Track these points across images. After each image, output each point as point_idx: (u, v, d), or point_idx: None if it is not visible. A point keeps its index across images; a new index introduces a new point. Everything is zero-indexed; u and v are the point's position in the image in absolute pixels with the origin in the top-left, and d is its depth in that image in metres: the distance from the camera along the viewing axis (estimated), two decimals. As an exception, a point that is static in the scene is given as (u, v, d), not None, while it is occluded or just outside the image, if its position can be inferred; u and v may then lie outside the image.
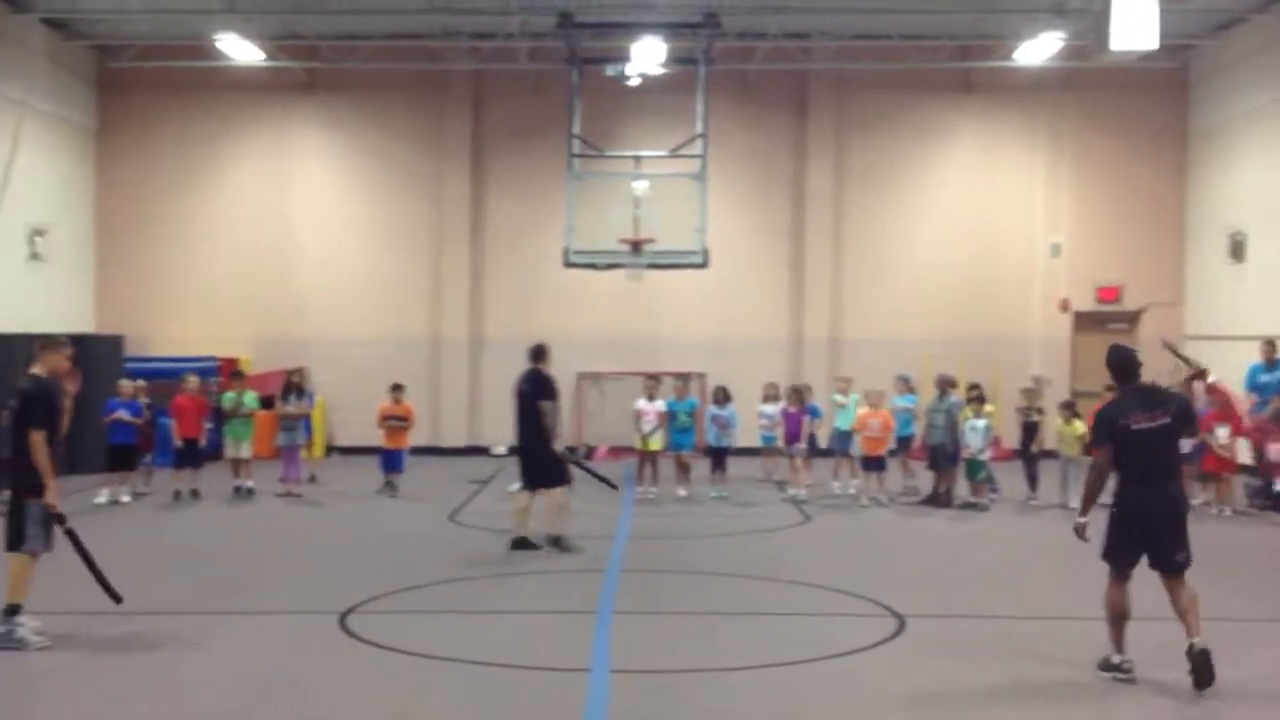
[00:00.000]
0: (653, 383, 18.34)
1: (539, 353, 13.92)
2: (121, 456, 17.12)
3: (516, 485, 13.99)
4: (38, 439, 9.12)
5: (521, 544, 13.21)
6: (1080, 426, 16.57)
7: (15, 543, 9.22)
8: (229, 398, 18.09)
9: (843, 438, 18.12)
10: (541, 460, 13.43)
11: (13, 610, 9.06)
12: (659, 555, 13.37)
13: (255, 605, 10.69)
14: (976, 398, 17.15)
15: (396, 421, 18.29)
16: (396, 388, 18.53)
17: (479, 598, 11.07)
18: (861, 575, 12.00)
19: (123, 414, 16.97)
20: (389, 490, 18.06)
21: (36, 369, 9.48)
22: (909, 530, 15.36)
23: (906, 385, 18.70)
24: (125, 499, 17.00)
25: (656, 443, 17.82)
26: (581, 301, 23.63)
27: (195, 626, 9.81)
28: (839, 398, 18.32)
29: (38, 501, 9.18)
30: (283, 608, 10.61)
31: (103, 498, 16.78)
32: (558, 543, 13.20)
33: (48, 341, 9.68)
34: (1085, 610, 9.38)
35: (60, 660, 8.78)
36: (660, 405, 17.86)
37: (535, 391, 13.54)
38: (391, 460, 18.33)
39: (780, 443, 18.56)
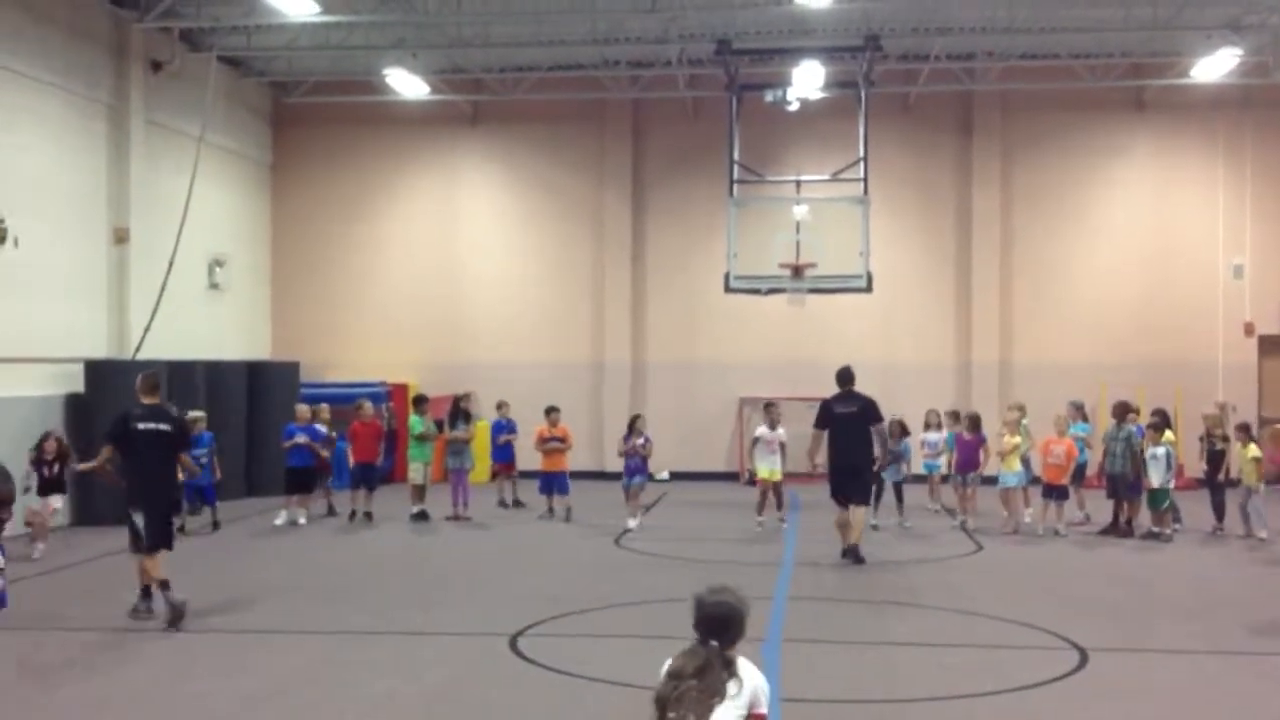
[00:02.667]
0: (775, 410, 17.67)
1: (849, 376, 14.97)
2: (299, 480, 17.60)
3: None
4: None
5: (851, 553, 14.23)
6: (1255, 450, 15.90)
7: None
8: (418, 423, 18.23)
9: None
10: (866, 479, 14.91)
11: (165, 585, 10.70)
12: (828, 583, 13.15)
13: (428, 626, 10.81)
14: (1157, 425, 16.50)
15: (555, 443, 18.39)
16: (551, 410, 18.59)
17: (648, 622, 10.98)
18: (1040, 606, 11.59)
19: (301, 438, 17.44)
20: (550, 515, 18.16)
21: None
22: (1088, 561, 14.81)
23: (1080, 412, 18.12)
24: (302, 521, 17.44)
25: (777, 473, 17.04)
26: (744, 326, 23.53)
27: (375, 645, 9.97)
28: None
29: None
30: (455, 629, 10.70)
31: (281, 519, 17.28)
32: (856, 553, 14.16)
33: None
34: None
35: (268, 675, 9.00)
36: (782, 434, 17.22)
37: (870, 415, 14.62)
38: (551, 482, 18.40)
39: (946, 469, 18.19)
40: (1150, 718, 8.05)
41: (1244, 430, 16.98)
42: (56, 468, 14.88)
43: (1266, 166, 23.36)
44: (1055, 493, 16.63)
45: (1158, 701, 8.53)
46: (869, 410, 14.61)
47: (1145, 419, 17.18)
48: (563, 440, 18.48)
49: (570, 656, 9.50)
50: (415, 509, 17.86)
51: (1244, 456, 16.38)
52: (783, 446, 17.16)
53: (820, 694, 8.49)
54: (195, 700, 8.43)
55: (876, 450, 15.18)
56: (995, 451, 17.28)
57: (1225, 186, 23.57)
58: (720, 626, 4.62)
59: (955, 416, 18.47)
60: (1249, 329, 23.36)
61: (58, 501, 15.13)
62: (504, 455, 19.65)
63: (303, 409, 17.99)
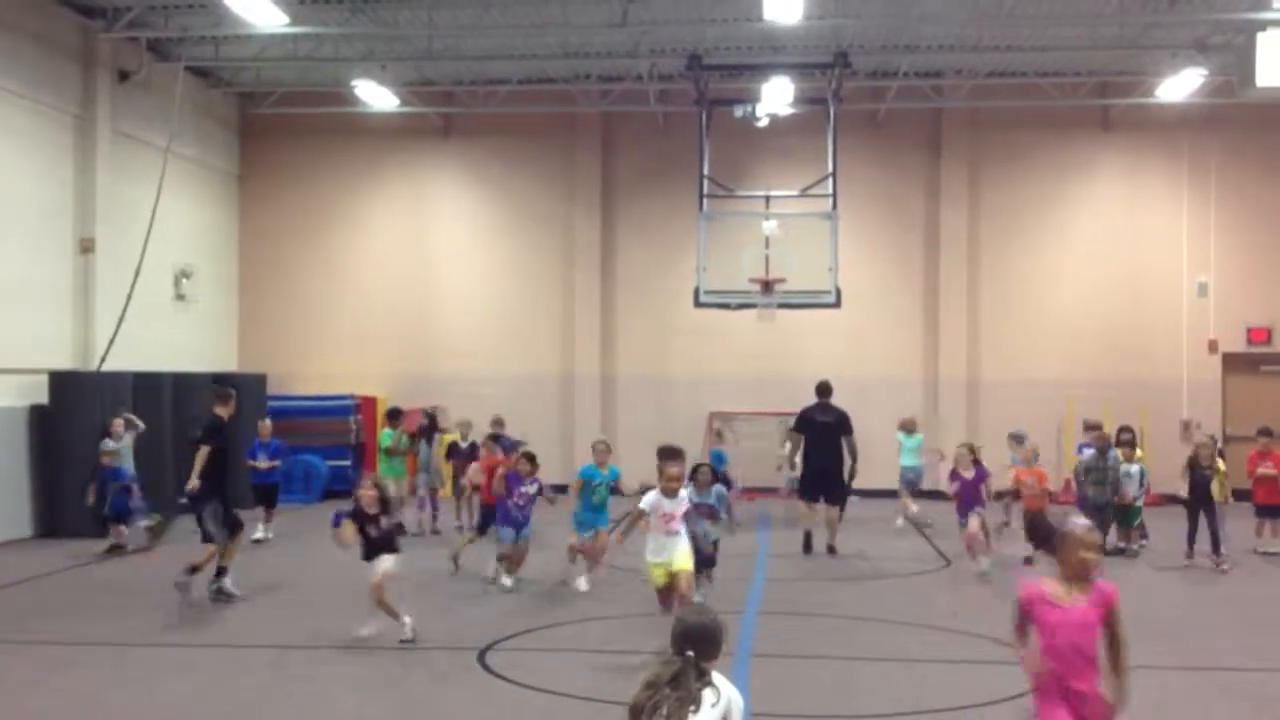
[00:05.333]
0: (677, 465, 16.26)
1: (829, 388, 16.77)
2: (264, 495, 17.33)
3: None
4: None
5: (829, 549, 15.94)
6: (1220, 466, 16.07)
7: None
8: (387, 436, 18.05)
9: (912, 472, 19.15)
10: (839, 482, 16.30)
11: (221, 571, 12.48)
12: (797, 599, 13.15)
13: (396, 640, 10.73)
14: (1129, 441, 16.60)
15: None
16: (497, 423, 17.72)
17: (618, 638, 10.95)
18: (1009, 622, 11.60)
19: (257, 462, 17.12)
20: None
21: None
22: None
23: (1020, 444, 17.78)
24: (268, 535, 17.11)
25: (682, 565, 15.00)
26: (714, 342, 23.57)
27: (343, 660, 9.89)
28: (901, 435, 19.22)
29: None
30: (424, 643, 10.61)
31: (259, 533, 16.89)
32: (833, 551, 15.90)
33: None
34: (1247, 661, 8.94)
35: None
36: (685, 498, 15.41)
37: (845, 426, 16.35)
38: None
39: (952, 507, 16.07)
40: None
41: (1127, 431, 17.18)
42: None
43: (1230, 185, 23.61)
44: None
45: (1125, 717, 8.56)
46: (844, 422, 16.39)
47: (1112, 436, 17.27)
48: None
49: (539, 671, 9.46)
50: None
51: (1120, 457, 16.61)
52: (716, 513, 12.39)
53: (789, 709, 8.49)
54: (165, 714, 8.34)
55: (848, 460, 16.39)
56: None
57: (1190, 205, 23.80)
58: (697, 640, 4.63)
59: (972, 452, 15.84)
60: (1213, 346, 23.58)
61: None
62: None
63: (263, 425, 17.64)
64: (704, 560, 11.87)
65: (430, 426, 18.45)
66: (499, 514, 13.35)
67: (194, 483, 12.47)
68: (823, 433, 16.35)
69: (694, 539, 11.01)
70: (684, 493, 10.68)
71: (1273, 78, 17.23)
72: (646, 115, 24.09)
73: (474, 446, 17.24)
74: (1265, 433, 16.79)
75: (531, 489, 13.21)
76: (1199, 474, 15.82)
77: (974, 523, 14.68)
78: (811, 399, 16.96)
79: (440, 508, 18.27)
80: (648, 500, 10.37)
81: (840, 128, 19.22)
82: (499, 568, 13.34)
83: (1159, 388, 23.15)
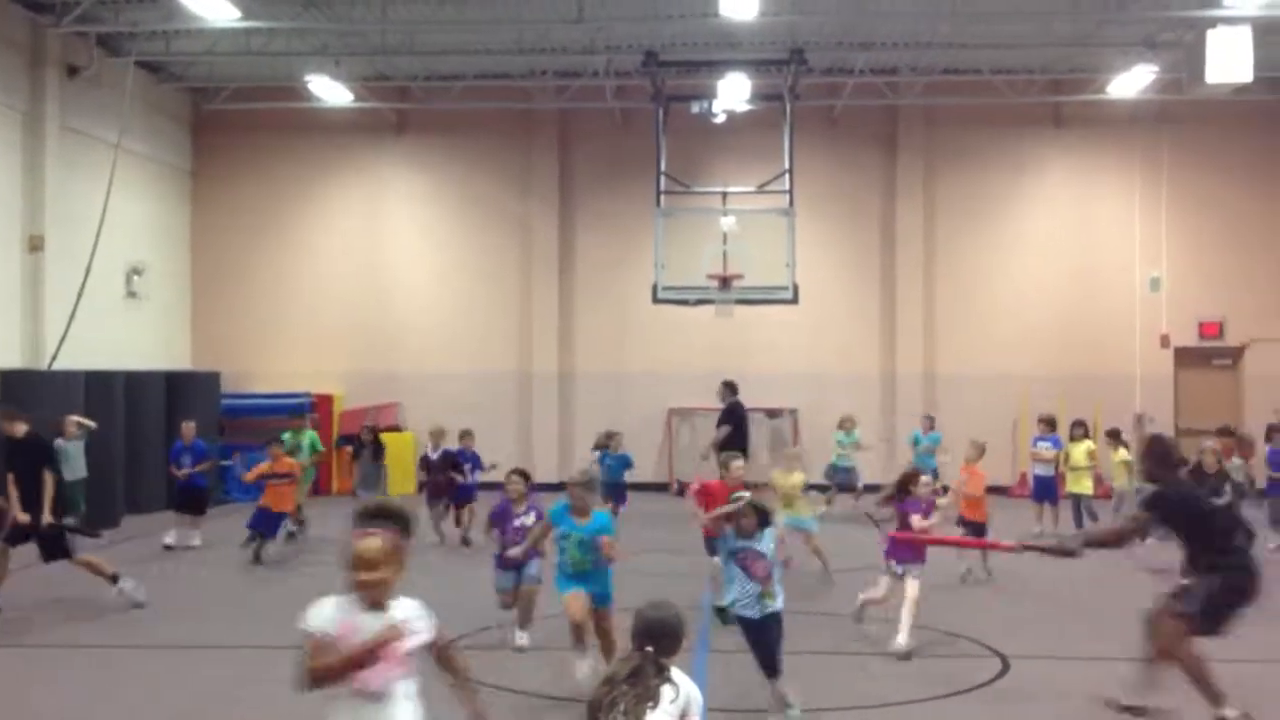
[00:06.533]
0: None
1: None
2: (190, 499, 16.57)
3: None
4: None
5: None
6: (1125, 454, 16.58)
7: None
8: (287, 438, 17.04)
9: (843, 473, 19.54)
10: None
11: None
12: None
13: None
14: (1082, 435, 16.83)
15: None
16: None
17: (566, 634, 10.87)
18: (965, 616, 11.70)
19: (180, 470, 16.42)
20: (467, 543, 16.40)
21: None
22: (1011, 570, 14.89)
23: (931, 424, 19.57)
24: (196, 543, 16.31)
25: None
26: (672, 337, 23.55)
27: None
28: (839, 434, 19.40)
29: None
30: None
31: (170, 539, 16.28)
32: None
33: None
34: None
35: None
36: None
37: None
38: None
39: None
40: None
41: (1114, 435, 17.73)
42: None
43: (1181, 181, 23.86)
44: (976, 529, 13.93)
45: (1074, 704, 8.68)
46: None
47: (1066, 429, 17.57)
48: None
49: (485, 668, 9.39)
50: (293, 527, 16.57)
51: (1113, 460, 17.22)
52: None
53: (747, 704, 8.49)
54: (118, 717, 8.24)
55: None
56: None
57: (1141, 201, 24.04)
58: (657, 635, 4.62)
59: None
60: (1165, 341, 23.83)
61: None
62: (465, 491, 16.92)
63: (187, 426, 16.75)
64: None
65: (373, 440, 17.48)
66: (498, 558, 10.59)
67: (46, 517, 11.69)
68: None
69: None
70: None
71: (1223, 75, 17.44)
72: (603, 112, 24.04)
73: (447, 456, 16.73)
74: (1226, 432, 16.88)
75: (529, 518, 10.37)
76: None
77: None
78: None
79: None
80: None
81: (797, 124, 19.27)
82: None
83: (1112, 381, 23.36)
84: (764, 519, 8.30)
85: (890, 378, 24.14)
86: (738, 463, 11.86)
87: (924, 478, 10.99)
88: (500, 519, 10.51)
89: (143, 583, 12.34)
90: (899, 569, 10.50)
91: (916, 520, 10.59)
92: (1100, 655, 10.16)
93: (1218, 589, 7.95)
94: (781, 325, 22.87)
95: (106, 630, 11.28)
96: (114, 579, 12.06)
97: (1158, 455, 8.50)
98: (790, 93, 19.27)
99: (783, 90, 19.62)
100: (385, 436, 18.69)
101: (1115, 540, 8.90)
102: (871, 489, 19.32)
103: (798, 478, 13.92)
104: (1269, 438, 16.79)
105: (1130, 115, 23.56)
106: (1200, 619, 7.97)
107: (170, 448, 16.83)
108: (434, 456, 17.00)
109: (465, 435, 17.18)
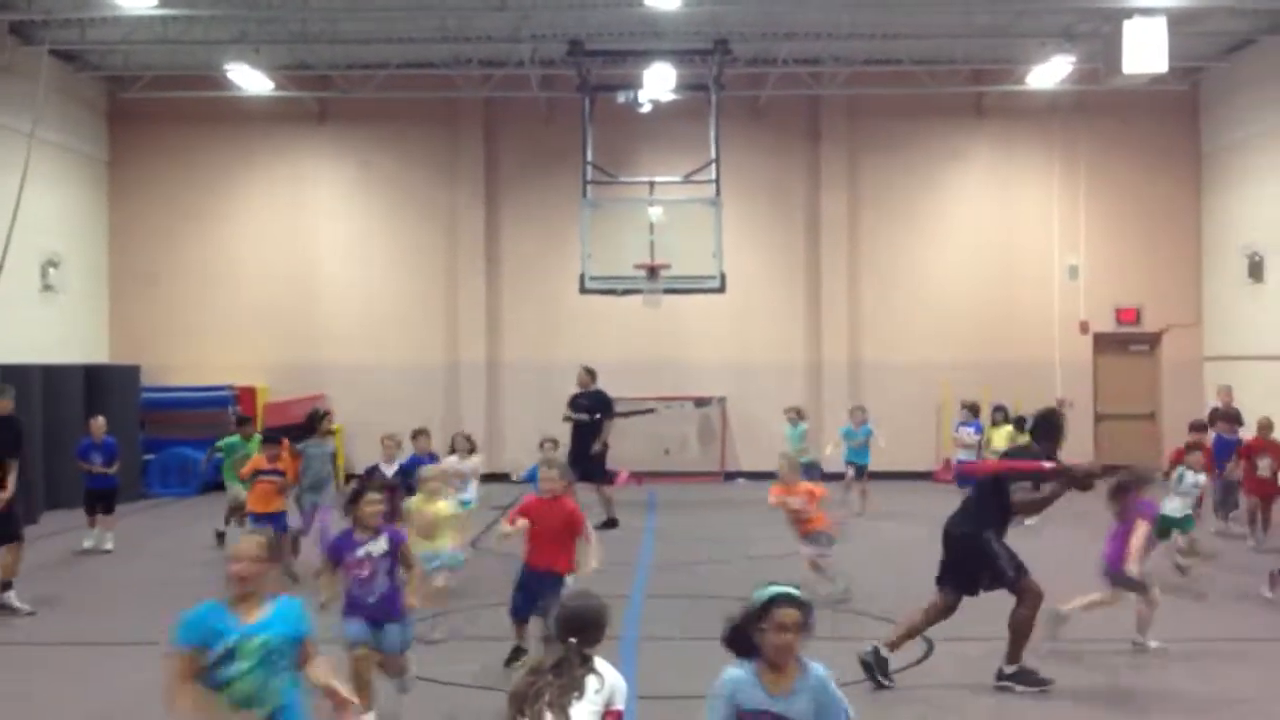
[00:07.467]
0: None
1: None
2: (99, 499, 15.63)
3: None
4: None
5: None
6: (1009, 430, 17.05)
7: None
8: (233, 443, 15.88)
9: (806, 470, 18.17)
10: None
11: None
12: (684, 582, 13.22)
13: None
14: (1003, 420, 17.08)
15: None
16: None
17: (502, 625, 10.84)
18: (900, 599, 11.82)
19: (90, 465, 15.59)
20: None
21: None
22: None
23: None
24: (109, 546, 15.45)
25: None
26: (601, 327, 23.41)
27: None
28: (787, 427, 19.16)
29: None
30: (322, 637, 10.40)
31: (90, 541, 15.51)
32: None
33: None
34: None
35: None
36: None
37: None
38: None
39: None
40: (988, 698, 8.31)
41: (1001, 411, 18.31)
42: None
43: (1099, 170, 24.28)
44: (816, 538, 12.43)
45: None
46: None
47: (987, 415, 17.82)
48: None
49: (426, 659, 9.35)
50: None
51: (995, 436, 17.55)
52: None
53: (677, 690, 8.52)
54: (45, 715, 8.10)
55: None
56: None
57: (1060, 190, 24.42)
58: (580, 626, 4.63)
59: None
60: (1084, 327, 24.25)
61: None
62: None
63: (97, 423, 15.86)
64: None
65: (309, 428, 14.76)
66: (346, 600, 7.88)
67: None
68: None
69: None
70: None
71: (1139, 65, 17.79)
72: (529, 101, 23.92)
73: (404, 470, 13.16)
74: (1198, 427, 16.67)
75: (376, 547, 7.75)
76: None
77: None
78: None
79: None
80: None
81: (722, 115, 19.35)
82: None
83: (1033, 368, 23.72)
84: None
85: (816, 366, 24.30)
86: (550, 471, 9.78)
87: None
88: (341, 549, 7.88)
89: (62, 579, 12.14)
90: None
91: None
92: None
93: None
94: (709, 314, 22.94)
95: (26, 627, 11.07)
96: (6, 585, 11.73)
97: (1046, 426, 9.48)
98: (715, 83, 19.34)
99: (708, 80, 19.69)
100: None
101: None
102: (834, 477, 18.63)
103: (441, 505, 11.03)
104: (1211, 423, 16.63)
105: (1049, 105, 23.94)
106: None
107: (79, 447, 15.83)
108: (389, 473, 12.92)
109: (419, 435, 14.16)
